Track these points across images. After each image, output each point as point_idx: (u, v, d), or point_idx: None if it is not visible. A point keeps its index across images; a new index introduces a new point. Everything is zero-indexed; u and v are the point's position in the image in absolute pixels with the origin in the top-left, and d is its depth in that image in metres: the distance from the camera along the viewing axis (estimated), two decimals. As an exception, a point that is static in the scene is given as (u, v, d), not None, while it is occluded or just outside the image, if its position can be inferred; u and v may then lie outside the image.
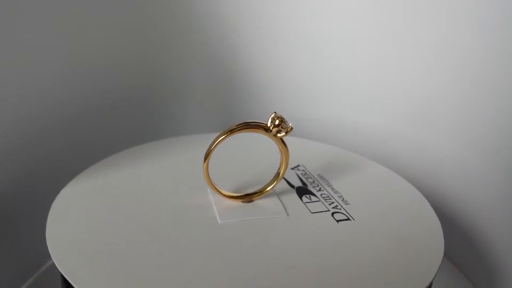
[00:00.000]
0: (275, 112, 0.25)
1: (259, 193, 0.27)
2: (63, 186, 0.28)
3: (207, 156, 0.25)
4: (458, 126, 0.35)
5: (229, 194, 0.27)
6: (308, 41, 0.39)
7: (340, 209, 0.27)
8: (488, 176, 0.33)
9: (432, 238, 0.25)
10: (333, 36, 0.38)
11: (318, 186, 0.29)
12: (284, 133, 0.25)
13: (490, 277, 0.33)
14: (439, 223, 0.26)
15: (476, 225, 0.35)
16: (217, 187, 0.26)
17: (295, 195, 0.28)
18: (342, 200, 0.28)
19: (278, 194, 0.28)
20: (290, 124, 0.25)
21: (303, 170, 0.31)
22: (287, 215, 0.26)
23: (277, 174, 0.27)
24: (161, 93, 0.42)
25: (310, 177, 0.30)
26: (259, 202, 0.27)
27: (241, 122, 0.25)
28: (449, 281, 0.23)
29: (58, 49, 0.33)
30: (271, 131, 0.25)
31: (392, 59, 0.37)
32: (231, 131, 0.24)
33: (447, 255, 0.37)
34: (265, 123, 0.25)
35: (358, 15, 0.37)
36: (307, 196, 0.28)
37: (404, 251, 0.24)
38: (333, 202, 0.28)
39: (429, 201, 0.28)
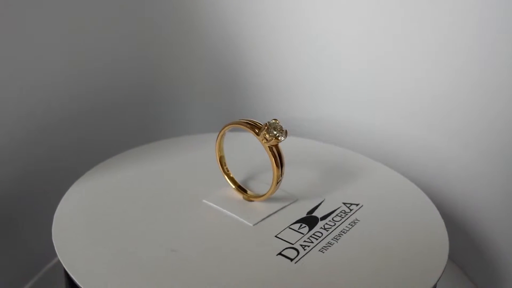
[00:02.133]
0: (275, 119, 0.25)
1: (262, 196, 0.27)
2: (65, 186, 0.28)
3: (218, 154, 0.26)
4: (462, 126, 0.35)
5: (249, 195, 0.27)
6: (311, 41, 0.39)
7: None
8: (492, 176, 0.33)
9: (436, 240, 0.25)
10: (336, 36, 0.38)
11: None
12: (270, 141, 0.24)
13: (493, 279, 0.33)
14: (443, 225, 0.26)
15: (480, 225, 0.35)
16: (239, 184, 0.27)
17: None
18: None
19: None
20: (281, 138, 0.24)
21: None
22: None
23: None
24: (164, 93, 0.42)
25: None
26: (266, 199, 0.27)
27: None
28: (452, 282, 0.23)
29: (61, 49, 0.34)
30: (258, 135, 0.24)
31: (395, 60, 0.37)
32: (228, 125, 0.25)
33: (450, 256, 0.36)
34: (258, 124, 0.25)
35: (361, 15, 0.37)
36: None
37: (408, 252, 0.24)
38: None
39: (432, 201, 0.28)
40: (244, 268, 0.22)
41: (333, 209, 0.27)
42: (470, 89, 0.34)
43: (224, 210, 0.26)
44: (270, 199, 0.27)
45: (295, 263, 0.23)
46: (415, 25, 0.35)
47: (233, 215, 0.26)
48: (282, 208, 0.27)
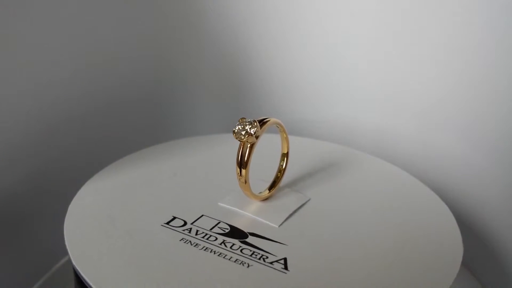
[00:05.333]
0: (243, 118, 0.24)
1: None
2: (75, 185, 0.28)
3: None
4: (468, 126, 0.35)
5: (259, 195, 0.27)
6: (321, 42, 0.39)
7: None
8: (501, 177, 0.33)
9: (449, 243, 0.25)
10: (345, 37, 0.38)
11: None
12: (248, 137, 0.24)
13: (501, 279, 0.33)
14: (458, 229, 0.26)
15: (487, 225, 0.35)
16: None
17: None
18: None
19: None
20: (244, 138, 0.24)
21: None
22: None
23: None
24: (173, 92, 0.42)
25: None
26: (277, 198, 0.27)
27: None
28: (458, 282, 0.23)
29: (71, 48, 0.33)
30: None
31: (402, 60, 0.37)
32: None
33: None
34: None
35: (370, 16, 0.37)
36: None
37: (420, 255, 0.23)
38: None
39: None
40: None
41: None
42: (477, 89, 0.34)
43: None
44: (282, 198, 0.27)
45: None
46: (423, 25, 0.35)
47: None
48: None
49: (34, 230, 0.34)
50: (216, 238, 0.24)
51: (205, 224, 0.25)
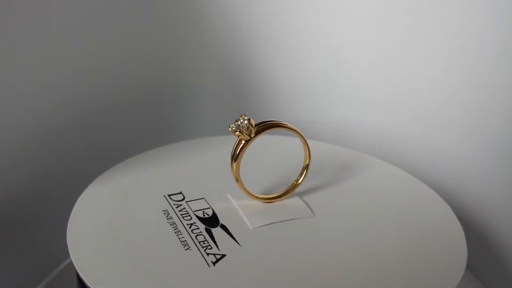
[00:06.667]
0: (243, 115, 0.24)
1: (281, 196, 0.27)
2: (78, 188, 0.28)
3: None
4: (471, 127, 0.34)
5: (257, 195, 0.27)
6: (322, 42, 0.39)
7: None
8: (502, 177, 0.32)
9: (454, 246, 0.24)
10: (347, 37, 0.38)
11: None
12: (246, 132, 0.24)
13: (504, 280, 0.32)
14: (462, 231, 0.25)
15: (489, 226, 0.34)
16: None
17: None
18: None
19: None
20: (244, 128, 0.24)
21: None
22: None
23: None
24: (176, 93, 0.42)
25: None
26: (281, 203, 0.27)
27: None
28: (461, 283, 0.23)
29: (72, 50, 0.34)
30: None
31: (405, 61, 0.36)
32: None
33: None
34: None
35: (372, 16, 0.37)
36: None
37: (424, 258, 0.23)
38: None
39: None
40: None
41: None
42: (480, 90, 0.33)
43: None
44: (285, 205, 0.27)
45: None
46: (426, 25, 0.35)
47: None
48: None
49: (36, 232, 0.34)
50: (191, 218, 0.25)
51: (196, 205, 0.26)
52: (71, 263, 0.23)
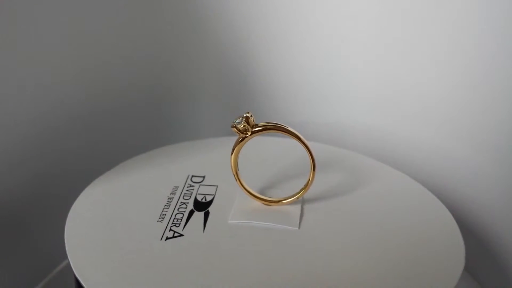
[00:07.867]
0: (248, 112, 0.25)
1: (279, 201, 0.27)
2: (76, 188, 0.28)
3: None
4: (469, 127, 0.34)
5: (256, 194, 0.27)
6: (321, 43, 0.39)
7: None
8: (499, 178, 0.32)
9: (451, 248, 0.24)
10: (346, 39, 0.38)
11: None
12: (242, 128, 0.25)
13: (501, 281, 0.32)
14: (459, 233, 0.25)
15: (487, 227, 0.34)
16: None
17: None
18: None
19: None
20: (240, 125, 0.25)
21: None
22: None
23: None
24: (175, 93, 0.42)
25: None
26: (279, 208, 0.27)
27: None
28: (458, 284, 0.23)
29: (71, 50, 0.34)
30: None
31: (404, 62, 0.36)
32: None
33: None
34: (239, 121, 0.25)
35: (370, 18, 0.37)
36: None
37: (422, 260, 0.23)
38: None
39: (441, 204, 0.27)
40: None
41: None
42: (479, 91, 0.33)
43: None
44: (281, 209, 0.27)
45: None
46: (423, 26, 0.35)
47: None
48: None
49: (34, 233, 0.34)
50: (189, 198, 0.28)
51: (203, 190, 0.29)
52: (69, 264, 0.23)
